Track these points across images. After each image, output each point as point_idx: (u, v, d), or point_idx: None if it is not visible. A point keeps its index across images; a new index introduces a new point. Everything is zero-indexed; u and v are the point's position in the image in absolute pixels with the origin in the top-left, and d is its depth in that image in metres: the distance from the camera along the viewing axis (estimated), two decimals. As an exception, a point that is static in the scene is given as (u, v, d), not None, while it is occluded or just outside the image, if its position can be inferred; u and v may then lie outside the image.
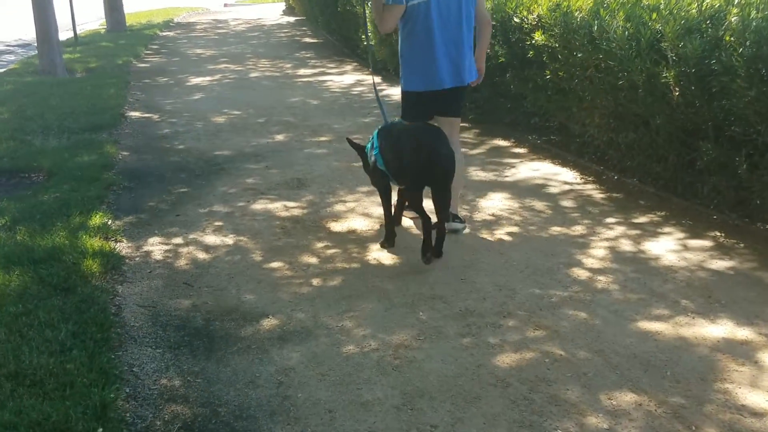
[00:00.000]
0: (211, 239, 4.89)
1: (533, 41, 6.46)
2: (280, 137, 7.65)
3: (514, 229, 4.94)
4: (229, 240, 4.87)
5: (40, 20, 11.67)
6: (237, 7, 27.32)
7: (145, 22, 20.17)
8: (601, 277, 4.14)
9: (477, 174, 6.22)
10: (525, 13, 6.64)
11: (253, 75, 11.72)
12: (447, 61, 4.52)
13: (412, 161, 4.25)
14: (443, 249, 4.40)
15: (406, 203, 4.86)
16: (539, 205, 5.40)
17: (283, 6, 24.01)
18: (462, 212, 5.23)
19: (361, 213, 5.33)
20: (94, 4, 18.77)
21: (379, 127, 4.70)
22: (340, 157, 6.77)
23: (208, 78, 11.46)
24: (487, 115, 8.00)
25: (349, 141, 4.97)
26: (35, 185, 6.05)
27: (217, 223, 5.18)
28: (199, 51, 14.75)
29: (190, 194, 5.86)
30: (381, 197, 4.70)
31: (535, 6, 6.52)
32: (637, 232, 4.80)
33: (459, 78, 4.59)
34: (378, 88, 5.35)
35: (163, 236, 4.95)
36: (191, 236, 4.95)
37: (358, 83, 10.62)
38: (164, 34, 18.07)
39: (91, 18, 22.07)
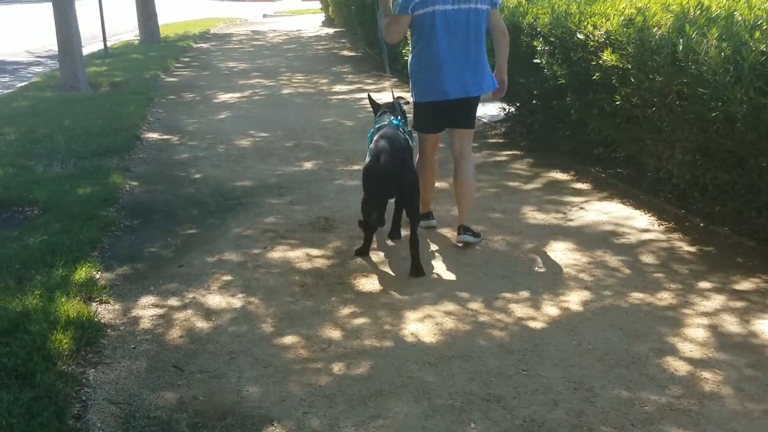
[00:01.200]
0: (215, 300, 4.05)
1: (600, 61, 5.52)
2: (308, 165, 6.81)
3: (585, 294, 4.01)
4: (237, 302, 4.03)
5: (62, 31, 11.05)
6: (276, 17, 26.73)
7: (181, 33, 19.63)
8: (706, 374, 3.19)
9: (534, 216, 5.30)
10: (591, 29, 5.70)
11: (285, 91, 10.94)
12: (452, 73, 4.53)
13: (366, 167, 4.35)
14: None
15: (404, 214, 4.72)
16: (613, 260, 4.46)
17: (322, 17, 23.31)
18: (520, 265, 4.33)
19: (396, 267, 4.45)
20: (130, 14, 18.29)
21: (375, 126, 4.76)
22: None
23: (237, 94, 10.70)
24: (542, 142, 7.07)
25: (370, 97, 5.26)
26: (26, 222, 5.30)
27: (225, 278, 4.34)
28: (231, 64, 14.05)
29: (199, 237, 5.04)
30: None
31: (603, 21, 5.58)
32: (743, 303, 3.83)
33: (464, 89, 4.57)
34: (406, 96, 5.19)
35: (158, 295, 4.13)
36: (192, 295, 4.11)
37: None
38: (198, 45, 17.45)
39: (128, 28, 21.55)
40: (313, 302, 4.00)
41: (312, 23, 22.92)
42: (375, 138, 4.53)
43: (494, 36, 4.71)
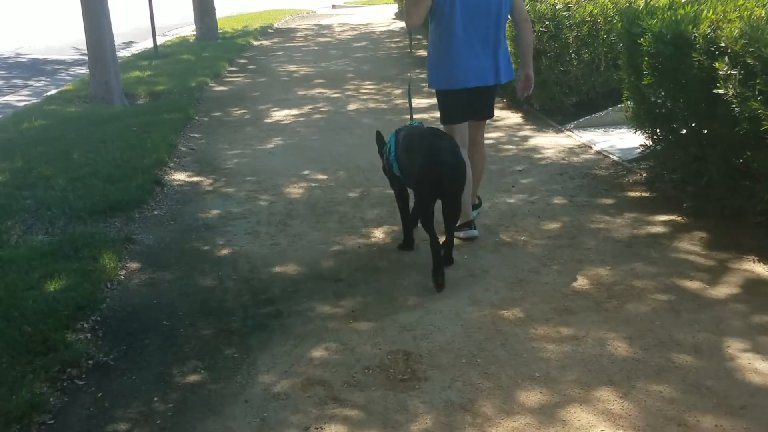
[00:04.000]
0: None
1: None
2: (379, 234, 4.86)
3: None
4: None
5: (92, 34, 9.36)
6: (345, 8, 24.79)
7: (241, 28, 17.87)
8: None
9: (749, 363, 3.18)
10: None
11: (352, 107, 8.98)
12: (470, 60, 4.44)
13: (417, 170, 4.09)
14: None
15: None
16: None
17: (395, 8, 21.23)
18: None
19: None
20: (191, 6, 16.68)
21: (397, 128, 4.55)
22: (489, 285, 3.92)
23: (294, 111, 8.79)
24: (715, 203, 4.91)
25: (378, 135, 4.87)
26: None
27: None
28: (292, 68, 12.16)
29: (204, 395, 3.12)
30: (397, 203, 4.61)
31: None
32: None
33: (482, 78, 4.47)
34: None
35: None
36: None
37: (502, 126, 7.65)
38: (258, 43, 15.65)
39: (188, 20, 19.71)
40: None
41: (384, 16, 20.87)
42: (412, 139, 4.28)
43: (517, 23, 4.61)
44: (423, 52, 13.05)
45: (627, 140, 6.59)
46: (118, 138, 7.19)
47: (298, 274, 4.30)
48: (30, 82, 11.88)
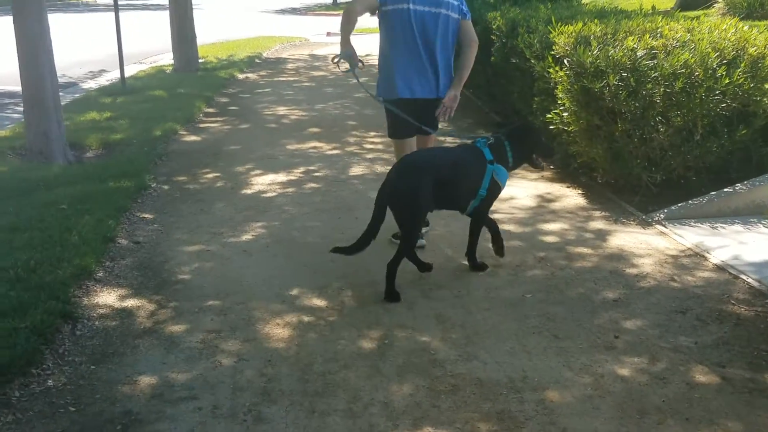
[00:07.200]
0: None
1: None
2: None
3: None
4: None
5: (28, 70, 7.36)
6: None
7: (226, 57, 15.89)
8: None
9: None
10: None
11: (355, 171, 6.98)
12: (404, 72, 4.64)
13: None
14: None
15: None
16: None
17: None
18: None
19: None
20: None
21: None
22: None
23: (281, 176, 6.78)
24: None
25: None
26: None
27: None
28: (281, 111, 10.16)
29: None
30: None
31: None
32: None
33: (411, 90, 4.66)
34: None
35: None
36: None
37: (561, 211, 5.67)
38: (244, 76, 13.65)
39: (169, 47, 17.58)
40: None
41: (385, 45, 18.95)
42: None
43: (463, 44, 4.73)
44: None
45: (752, 245, 4.63)
46: (36, 224, 5.15)
47: None
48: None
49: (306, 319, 3.97)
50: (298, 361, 3.54)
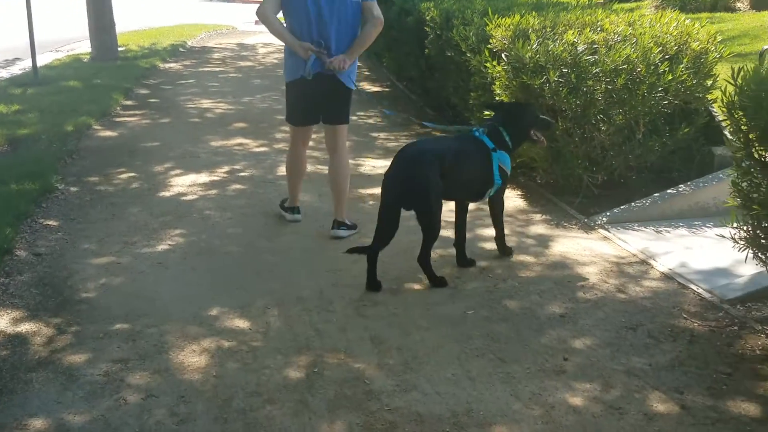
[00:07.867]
0: None
1: None
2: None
3: None
4: None
5: None
6: (270, 24, 22.18)
7: (148, 45, 15.15)
8: None
9: None
10: None
11: (282, 170, 6.48)
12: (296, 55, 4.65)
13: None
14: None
15: None
16: None
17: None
18: None
19: None
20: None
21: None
22: None
23: (203, 177, 6.31)
24: None
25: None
26: None
27: None
28: (205, 104, 9.62)
29: None
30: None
31: None
32: None
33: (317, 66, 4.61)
34: None
35: None
36: None
37: (482, 208, 5.37)
38: (166, 66, 13.00)
39: (86, 35, 16.70)
40: None
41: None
42: None
43: (366, 22, 4.68)
44: (370, 86, 10.68)
45: (698, 251, 4.45)
46: None
47: None
48: None
49: (226, 344, 3.56)
50: (216, 396, 3.14)
